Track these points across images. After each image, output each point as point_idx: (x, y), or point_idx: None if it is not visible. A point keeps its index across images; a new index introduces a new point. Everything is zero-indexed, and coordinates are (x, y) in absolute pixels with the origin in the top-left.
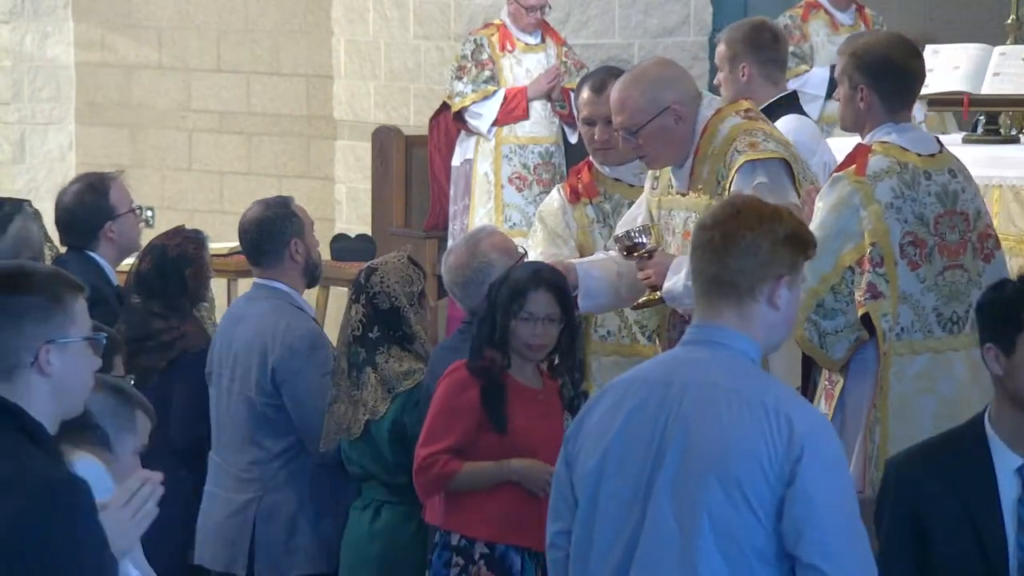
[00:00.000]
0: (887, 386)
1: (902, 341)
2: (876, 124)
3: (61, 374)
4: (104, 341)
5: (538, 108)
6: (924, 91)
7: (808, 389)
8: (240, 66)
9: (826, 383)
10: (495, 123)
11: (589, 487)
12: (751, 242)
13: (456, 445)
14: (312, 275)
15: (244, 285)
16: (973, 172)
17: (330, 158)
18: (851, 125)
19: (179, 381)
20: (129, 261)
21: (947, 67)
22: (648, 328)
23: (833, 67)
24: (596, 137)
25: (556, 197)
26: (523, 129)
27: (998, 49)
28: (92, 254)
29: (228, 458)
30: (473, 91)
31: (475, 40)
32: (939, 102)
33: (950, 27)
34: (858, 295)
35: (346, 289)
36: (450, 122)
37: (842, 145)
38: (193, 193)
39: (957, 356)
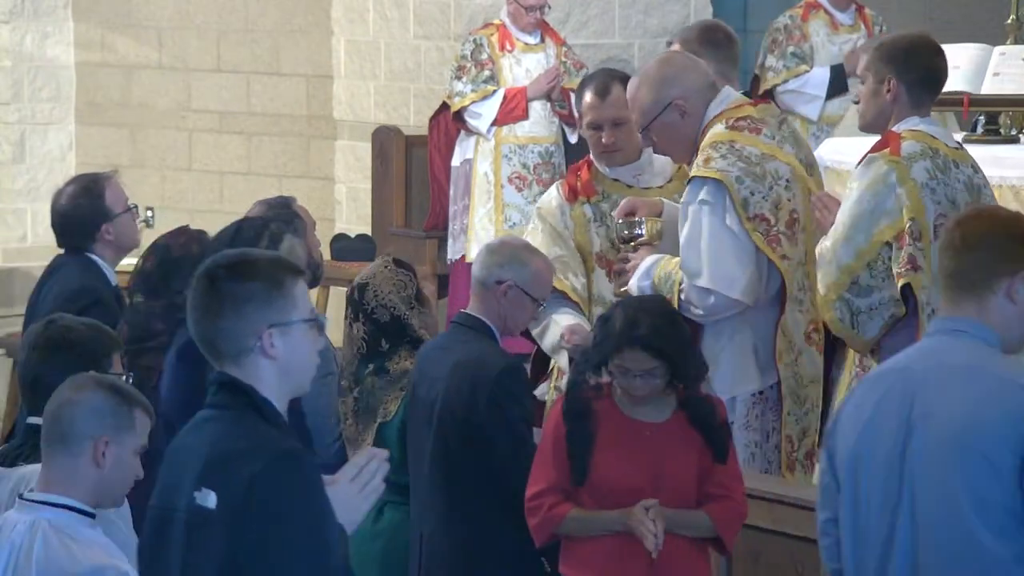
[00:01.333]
0: None
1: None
2: (902, 117)
3: (285, 355)
4: (323, 322)
5: (538, 108)
6: None
7: (827, 384)
8: (240, 66)
9: (857, 368)
10: (495, 123)
11: (849, 474)
12: (987, 239)
13: (557, 485)
14: (313, 275)
15: None
16: None
17: (330, 158)
18: (872, 120)
19: (179, 381)
20: (129, 261)
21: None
22: None
23: (833, 67)
24: (604, 141)
25: (555, 195)
26: (523, 129)
27: (998, 49)
28: (90, 255)
29: None
30: (473, 91)
31: (475, 40)
32: (939, 102)
33: (950, 27)
34: (898, 268)
35: (346, 289)
36: (450, 122)
37: (841, 146)
38: (193, 193)
39: None
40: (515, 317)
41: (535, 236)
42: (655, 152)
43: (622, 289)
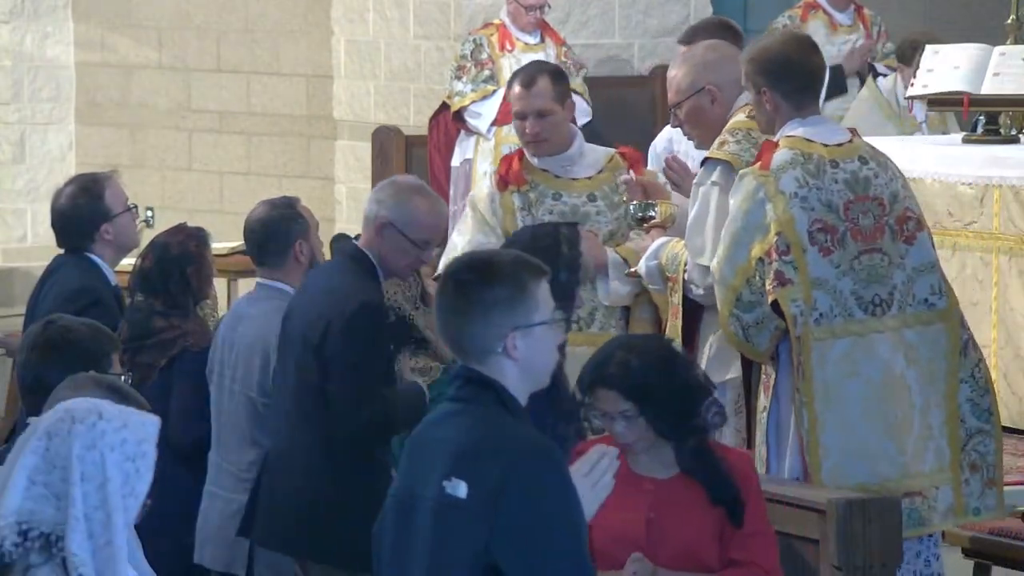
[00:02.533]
0: (808, 371)
1: (821, 326)
2: (786, 121)
3: (527, 355)
4: (566, 318)
5: None
6: (924, 91)
7: (751, 383)
8: (240, 66)
9: (763, 375)
10: (494, 123)
11: None
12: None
13: None
14: None
15: (244, 285)
16: (973, 172)
17: (330, 158)
18: (765, 128)
19: (179, 378)
20: (129, 261)
21: (947, 67)
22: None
23: (832, 68)
24: (528, 131)
25: (487, 184)
26: None
27: (998, 49)
28: (90, 255)
29: (228, 458)
30: (472, 91)
31: (475, 40)
32: (939, 102)
33: (950, 27)
34: (768, 284)
35: None
36: (450, 122)
37: None
38: (193, 193)
39: (881, 338)
40: (392, 258)
41: (465, 223)
42: (683, 132)
43: (630, 270)
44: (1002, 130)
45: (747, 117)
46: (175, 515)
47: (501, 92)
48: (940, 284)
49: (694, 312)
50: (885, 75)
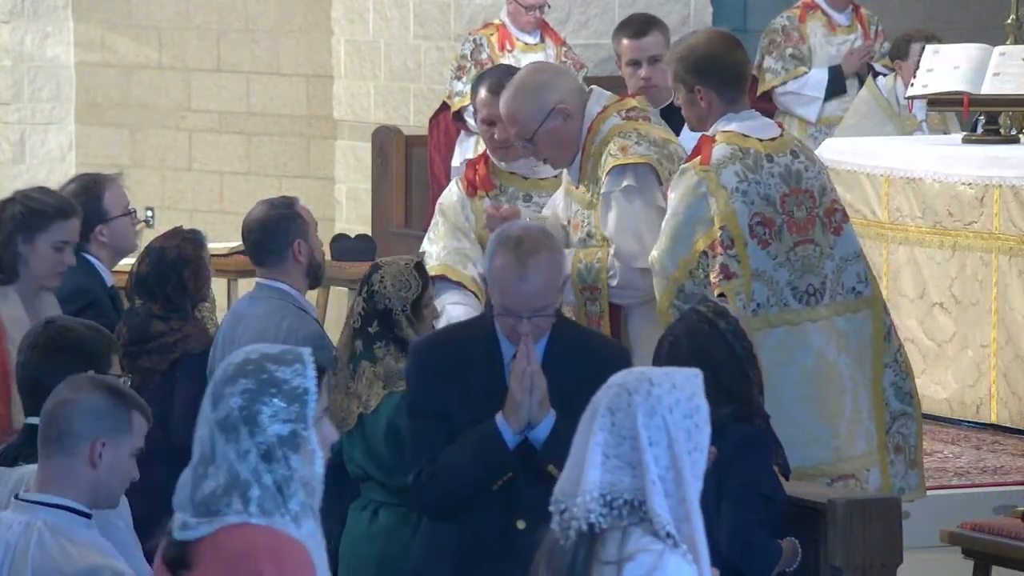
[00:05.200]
0: None
1: (758, 316)
2: (719, 116)
3: None
4: None
5: None
6: (924, 91)
7: None
8: (240, 66)
9: None
10: None
11: None
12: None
13: None
14: (315, 276)
15: (244, 285)
16: (973, 172)
17: (330, 158)
18: (696, 125)
19: (181, 382)
20: (129, 261)
21: (947, 67)
22: None
23: (831, 68)
24: (496, 137)
25: (455, 190)
26: None
27: (998, 49)
28: (86, 255)
29: None
30: (471, 90)
31: (474, 40)
32: (939, 102)
33: (950, 27)
34: (713, 277)
35: (347, 289)
36: (450, 122)
37: (841, 146)
38: (193, 193)
39: (814, 327)
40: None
41: (436, 230)
42: (541, 160)
43: None
44: (1002, 130)
45: (623, 119)
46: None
47: None
48: (865, 272)
49: (615, 318)
50: (884, 75)
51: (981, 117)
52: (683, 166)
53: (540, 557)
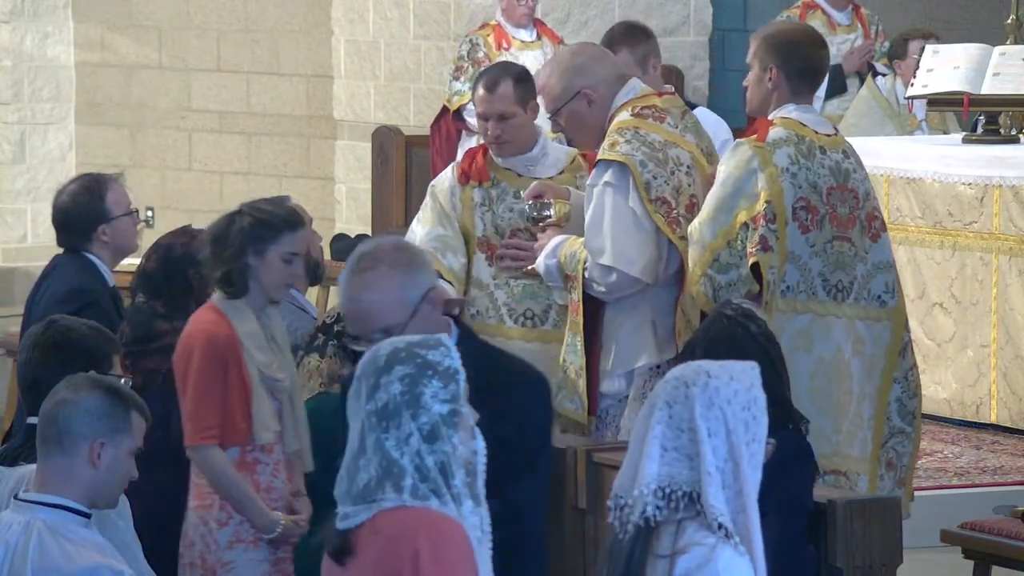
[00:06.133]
0: None
1: (786, 299)
2: (780, 103)
3: None
4: None
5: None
6: (924, 91)
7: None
8: (240, 66)
9: None
10: None
11: None
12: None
13: None
14: (313, 274)
15: None
16: (973, 172)
17: (330, 158)
18: (757, 106)
19: None
20: (131, 261)
21: (947, 67)
22: (516, 311)
23: (833, 67)
24: (489, 133)
25: (448, 175)
26: None
27: (998, 49)
28: (88, 255)
29: None
30: (470, 88)
31: (471, 40)
32: (939, 102)
33: (950, 27)
34: (750, 247)
35: None
36: (451, 126)
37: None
38: (193, 193)
39: (838, 322)
40: None
41: (425, 213)
42: (565, 136)
43: (526, 269)
44: (1002, 130)
45: (631, 115)
46: (176, 516)
47: None
48: (894, 284)
49: (596, 308)
50: (884, 75)
51: (981, 117)
52: (737, 140)
53: (601, 555)
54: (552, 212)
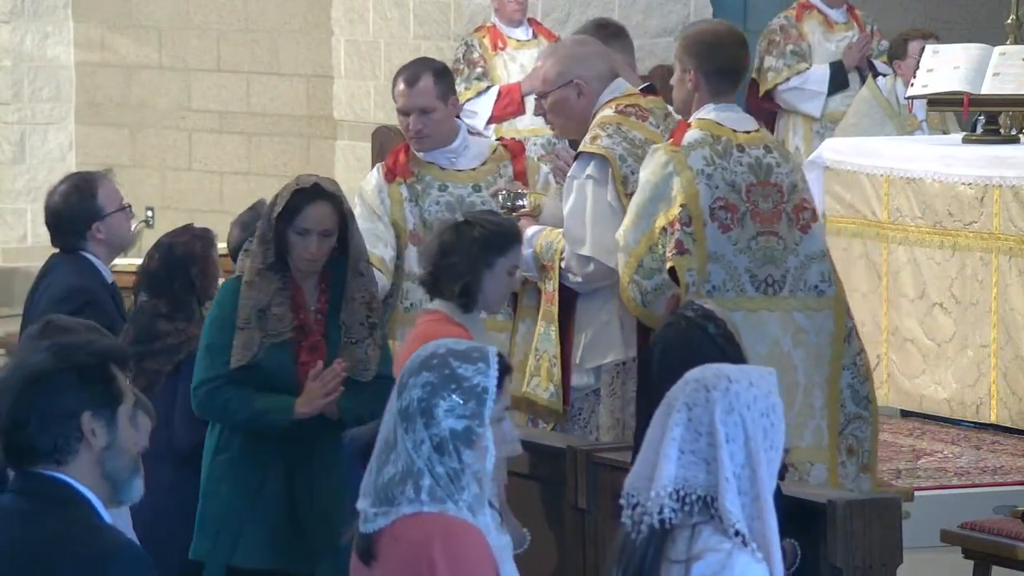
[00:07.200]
0: None
1: (714, 298)
2: (701, 104)
3: None
4: None
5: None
6: (924, 91)
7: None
8: (240, 66)
9: None
10: (491, 120)
11: None
12: None
13: None
14: None
15: None
16: (973, 172)
17: (330, 158)
18: (681, 106)
19: (182, 383)
20: (130, 260)
21: (947, 67)
22: None
23: (832, 64)
24: (411, 127)
25: (374, 175)
26: (523, 123)
27: (998, 49)
28: (85, 254)
29: None
30: (466, 88)
31: (466, 42)
32: (939, 102)
33: (950, 27)
34: (667, 251)
35: None
36: None
37: (841, 146)
38: (193, 193)
39: (772, 316)
40: None
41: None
42: (545, 120)
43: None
44: (1002, 130)
45: (614, 112)
46: (176, 516)
47: (495, 89)
48: (829, 272)
49: (570, 299)
50: (885, 75)
51: (981, 117)
52: (655, 145)
53: (612, 553)
54: (526, 202)
